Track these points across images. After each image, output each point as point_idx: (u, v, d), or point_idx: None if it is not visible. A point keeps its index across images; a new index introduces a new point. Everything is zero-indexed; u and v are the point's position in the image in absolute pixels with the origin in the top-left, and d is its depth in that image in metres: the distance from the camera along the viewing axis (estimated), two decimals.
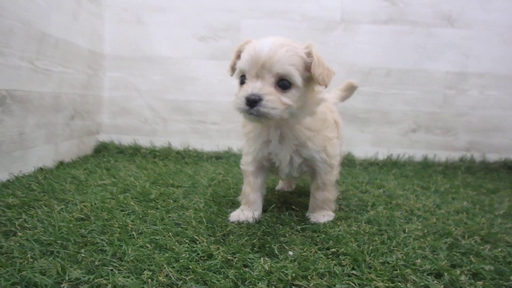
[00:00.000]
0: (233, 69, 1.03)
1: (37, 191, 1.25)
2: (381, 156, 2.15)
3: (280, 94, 0.93)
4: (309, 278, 0.75)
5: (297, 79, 0.93)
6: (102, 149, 2.16)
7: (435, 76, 2.13)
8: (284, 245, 0.90)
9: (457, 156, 2.16)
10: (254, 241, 0.91)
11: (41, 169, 1.62)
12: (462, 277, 0.76)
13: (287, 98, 0.93)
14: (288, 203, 1.27)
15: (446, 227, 1.06)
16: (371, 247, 0.90)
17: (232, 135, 2.21)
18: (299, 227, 1.02)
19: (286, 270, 0.76)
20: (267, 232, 0.98)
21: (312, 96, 1.02)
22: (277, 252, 0.86)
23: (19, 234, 0.87)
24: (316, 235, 0.96)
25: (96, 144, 2.19)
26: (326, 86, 0.96)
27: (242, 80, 0.98)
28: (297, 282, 0.73)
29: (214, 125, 2.21)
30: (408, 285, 0.73)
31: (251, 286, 0.71)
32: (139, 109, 2.22)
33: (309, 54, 0.96)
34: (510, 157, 2.14)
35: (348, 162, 2.07)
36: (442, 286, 0.73)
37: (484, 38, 2.09)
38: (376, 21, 2.10)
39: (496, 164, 2.07)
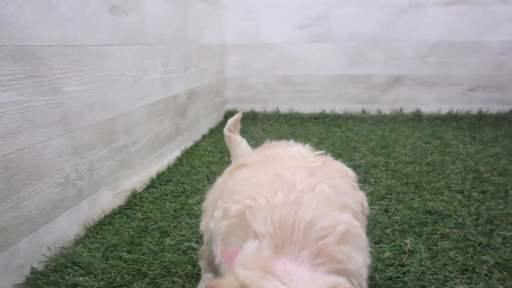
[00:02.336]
0: None
1: (217, 152, 2.09)
2: (443, 112, 2.74)
3: None
4: (391, 194, 1.47)
5: None
6: (229, 116, 2.97)
7: (490, 45, 2.62)
8: None
9: (507, 109, 2.69)
10: None
11: (204, 136, 2.47)
12: (474, 193, 1.44)
13: None
14: None
15: (476, 166, 1.72)
16: (426, 179, 1.59)
17: (326, 100, 2.90)
18: None
19: (379, 191, 1.49)
20: None
21: None
22: None
23: None
24: (395, 173, 1.67)
25: (225, 112, 3.01)
26: None
27: None
28: (386, 196, 1.46)
29: (312, 93, 2.92)
30: (443, 196, 1.43)
31: None
32: (254, 84, 2.99)
33: None
34: None
35: (417, 117, 2.69)
36: (461, 196, 1.42)
37: None
38: (440, 3, 2.60)
39: None
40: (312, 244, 0.54)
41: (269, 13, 2.81)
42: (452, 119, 2.64)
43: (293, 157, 0.78)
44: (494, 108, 2.72)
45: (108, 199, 1.45)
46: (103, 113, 1.39)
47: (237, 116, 1.17)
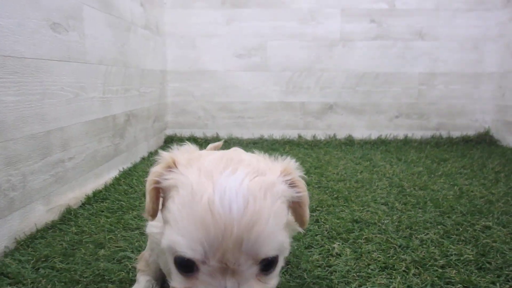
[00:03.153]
0: (154, 211, 0.66)
1: None
2: (373, 137, 2.96)
3: (264, 284, 0.57)
4: (322, 206, 1.57)
5: (288, 246, 0.60)
6: (169, 141, 3.00)
7: (411, 76, 2.92)
8: None
9: (429, 134, 2.97)
10: None
11: (143, 159, 2.46)
12: (397, 204, 1.57)
13: (273, 280, 0.59)
14: None
15: (401, 182, 1.87)
16: (355, 194, 1.71)
17: (264, 126, 3.02)
18: None
19: (311, 204, 1.58)
20: None
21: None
22: None
23: None
24: (327, 190, 1.78)
25: (165, 137, 3.03)
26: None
27: (183, 264, 0.55)
28: (317, 209, 1.55)
29: (250, 119, 3.02)
30: (370, 208, 1.54)
31: None
32: (194, 110, 3.05)
33: (292, 184, 0.63)
34: (468, 133, 2.96)
35: (349, 142, 2.88)
36: (385, 207, 1.55)
37: (447, 47, 2.87)
38: (366, 38, 2.86)
39: (457, 139, 2.91)
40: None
41: (209, 42, 2.92)
42: (381, 144, 2.86)
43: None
44: (418, 134, 2.99)
45: (41, 214, 1.41)
46: (39, 126, 1.38)
47: (217, 144, 1.26)
